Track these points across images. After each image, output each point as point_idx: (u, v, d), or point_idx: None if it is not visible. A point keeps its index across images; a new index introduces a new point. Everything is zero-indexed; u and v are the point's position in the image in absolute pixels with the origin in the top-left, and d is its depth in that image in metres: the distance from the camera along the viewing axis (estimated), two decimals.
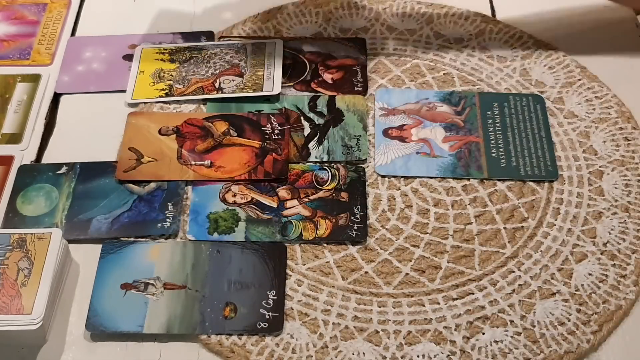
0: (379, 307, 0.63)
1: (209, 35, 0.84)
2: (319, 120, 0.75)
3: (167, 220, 0.67)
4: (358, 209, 0.68)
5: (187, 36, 0.84)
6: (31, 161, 0.73)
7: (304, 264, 0.65)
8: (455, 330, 0.61)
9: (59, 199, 0.69)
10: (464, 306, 0.63)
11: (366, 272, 0.65)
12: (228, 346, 0.60)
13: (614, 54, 0.83)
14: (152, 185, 0.70)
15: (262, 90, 0.77)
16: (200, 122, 0.75)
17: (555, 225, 0.68)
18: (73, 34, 0.86)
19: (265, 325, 0.61)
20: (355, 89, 0.78)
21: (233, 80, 0.79)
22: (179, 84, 0.79)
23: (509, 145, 0.73)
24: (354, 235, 0.67)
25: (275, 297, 0.62)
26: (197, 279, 0.64)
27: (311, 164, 0.72)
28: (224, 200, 0.69)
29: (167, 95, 0.78)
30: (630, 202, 0.69)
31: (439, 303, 0.63)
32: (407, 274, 0.65)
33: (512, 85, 0.79)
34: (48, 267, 0.61)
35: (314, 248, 0.66)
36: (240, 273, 0.64)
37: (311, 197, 0.69)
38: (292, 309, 0.62)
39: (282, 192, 0.70)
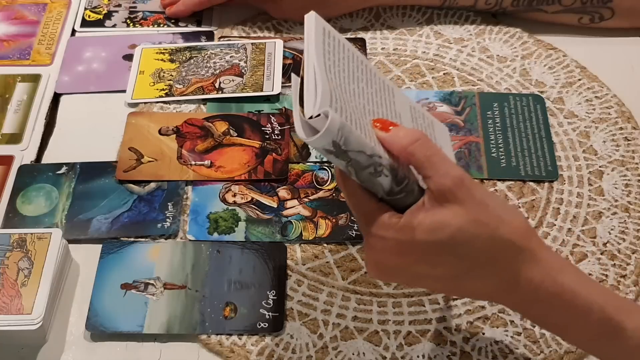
0: (379, 307, 0.63)
1: (209, 35, 0.85)
2: None
3: (167, 220, 0.67)
4: None
5: (187, 36, 0.84)
6: (31, 161, 0.73)
7: (304, 264, 0.65)
8: (455, 330, 0.61)
9: (59, 199, 0.69)
10: (464, 306, 0.63)
11: (366, 272, 0.65)
12: (228, 346, 0.60)
13: (614, 53, 0.83)
14: (152, 185, 0.70)
15: (262, 90, 0.77)
16: (200, 122, 0.75)
17: (555, 225, 0.68)
18: (73, 34, 0.86)
19: (265, 325, 0.61)
20: None
21: (233, 80, 0.79)
22: (179, 84, 0.79)
23: (509, 145, 0.73)
24: (354, 235, 0.67)
25: (275, 297, 0.62)
26: (197, 279, 0.64)
27: (311, 164, 0.72)
28: (224, 200, 0.69)
29: (167, 95, 0.78)
30: (630, 202, 0.69)
31: (439, 303, 0.63)
32: None
33: (512, 85, 0.79)
34: (48, 267, 0.61)
35: (314, 248, 0.66)
36: (240, 273, 0.64)
37: (311, 197, 0.69)
38: (292, 309, 0.62)
39: (282, 192, 0.70)
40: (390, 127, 0.49)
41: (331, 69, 0.50)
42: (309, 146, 0.69)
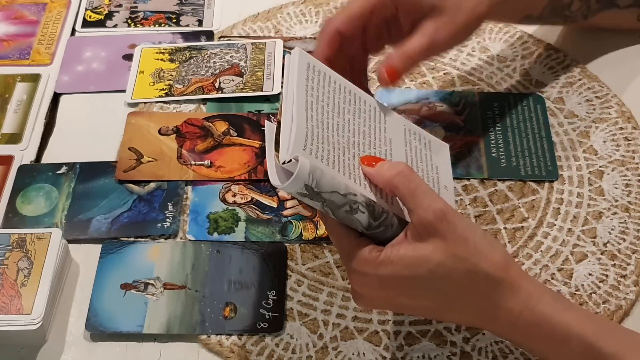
0: None
1: (209, 35, 0.84)
2: None
3: (167, 220, 0.67)
4: None
5: (187, 36, 0.84)
6: (31, 161, 0.73)
7: (304, 264, 0.65)
8: (455, 330, 0.61)
9: (59, 199, 0.69)
10: None
11: None
12: (228, 346, 0.60)
13: (614, 54, 0.83)
14: (152, 185, 0.70)
15: (262, 90, 0.77)
16: (200, 122, 0.75)
17: (555, 225, 0.68)
18: (73, 33, 0.86)
19: (265, 325, 0.61)
20: None
21: (233, 80, 0.79)
22: (179, 83, 0.79)
23: (509, 145, 0.73)
24: None
25: (275, 297, 0.62)
26: (197, 279, 0.64)
27: None
28: (224, 200, 0.69)
29: (167, 95, 0.78)
30: (631, 202, 0.69)
31: None
32: None
33: (512, 85, 0.79)
34: (48, 267, 0.61)
35: (314, 248, 0.66)
36: (240, 273, 0.64)
37: None
38: (292, 309, 0.62)
39: (282, 192, 0.70)
40: (373, 162, 0.51)
41: (313, 105, 0.51)
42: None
